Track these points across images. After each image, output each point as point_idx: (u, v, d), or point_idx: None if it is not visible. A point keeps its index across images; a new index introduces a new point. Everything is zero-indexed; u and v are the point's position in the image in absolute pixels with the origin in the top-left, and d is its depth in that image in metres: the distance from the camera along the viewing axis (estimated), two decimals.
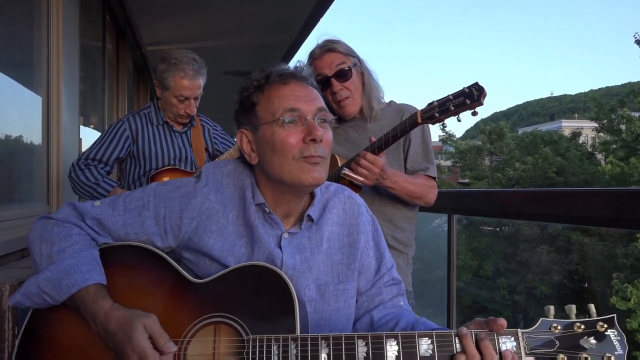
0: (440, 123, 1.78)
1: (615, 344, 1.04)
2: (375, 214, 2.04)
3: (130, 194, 1.29)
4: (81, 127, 3.50)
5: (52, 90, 2.71)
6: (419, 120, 1.76)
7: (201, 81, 2.43)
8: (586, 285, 17.83)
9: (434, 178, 2.09)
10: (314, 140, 1.18)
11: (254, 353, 1.08)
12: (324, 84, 2.04)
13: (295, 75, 1.24)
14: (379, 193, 2.03)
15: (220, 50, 6.38)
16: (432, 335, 1.06)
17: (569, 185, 25.52)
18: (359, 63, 2.08)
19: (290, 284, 1.13)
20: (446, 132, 29.86)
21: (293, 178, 1.19)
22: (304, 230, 1.29)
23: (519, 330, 1.05)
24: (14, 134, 2.67)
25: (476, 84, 1.66)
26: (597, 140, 30.28)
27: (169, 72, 2.38)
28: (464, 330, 1.05)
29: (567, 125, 53.36)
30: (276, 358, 1.07)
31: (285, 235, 1.27)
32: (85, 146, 3.23)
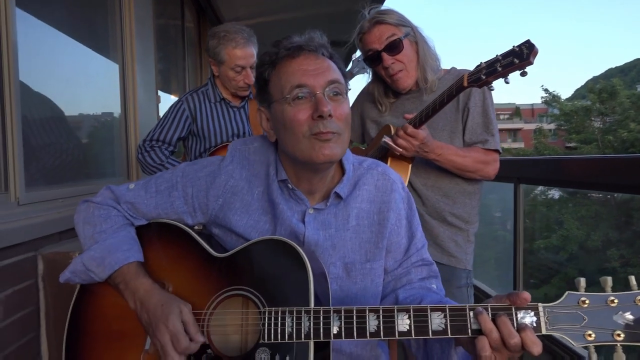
0: (488, 85, 1.65)
1: None
2: (432, 189, 1.99)
3: (161, 175, 1.35)
4: (161, 104, 3.72)
5: (127, 71, 2.89)
6: (465, 84, 1.65)
7: (253, 49, 2.45)
8: None
9: (495, 151, 1.96)
10: (321, 116, 1.14)
11: (269, 325, 1.10)
12: (375, 59, 1.96)
13: (303, 48, 1.19)
14: (435, 168, 1.95)
15: (299, 21, 6.36)
16: (446, 309, 1.01)
17: None
18: (412, 32, 1.96)
19: (305, 257, 1.12)
20: (550, 93, 27.81)
21: (305, 156, 1.17)
22: (331, 206, 1.27)
23: (540, 304, 0.97)
24: (96, 115, 2.89)
25: (527, 41, 1.53)
26: None
27: (220, 45, 2.42)
28: (479, 308, 0.99)
29: None
30: (290, 330, 1.08)
31: (310, 211, 1.26)
32: None
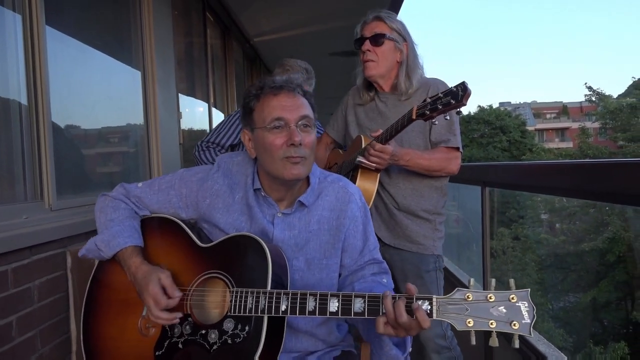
0: (432, 120, 1.86)
1: (524, 313, 1.16)
2: (403, 189, 2.23)
3: (164, 177, 1.66)
4: (186, 116, 4.09)
5: (149, 91, 3.22)
6: (413, 117, 1.87)
7: (308, 87, 2.77)
8: None
9: (457, 149, 2.19)
10: (293, 144, 1.42)
11: (235, 301, 1.38)
12: (359, 43, 2.25)
13: (283, 87, 1.48)
14: (405, 169, 2.18)
15: (320, 34, 6.66)
16: (365, 296, 1.29)
17: None
18: (402, 43, 2.22)
19: (267, 250, 1.39)
20: (594, 91, 26.97)
21: (278, 173, 1.46)
22: (296, 212, 1.55)
23: (434, 296, 1.22)
24: (121, 132, 3.23)
25: (462, 83, 1.74)
26: None
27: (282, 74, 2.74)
28: (387, 293, 1.26)
29: None
30: (250, 306, 1.36)
31: (279, 215, 1.55)
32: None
